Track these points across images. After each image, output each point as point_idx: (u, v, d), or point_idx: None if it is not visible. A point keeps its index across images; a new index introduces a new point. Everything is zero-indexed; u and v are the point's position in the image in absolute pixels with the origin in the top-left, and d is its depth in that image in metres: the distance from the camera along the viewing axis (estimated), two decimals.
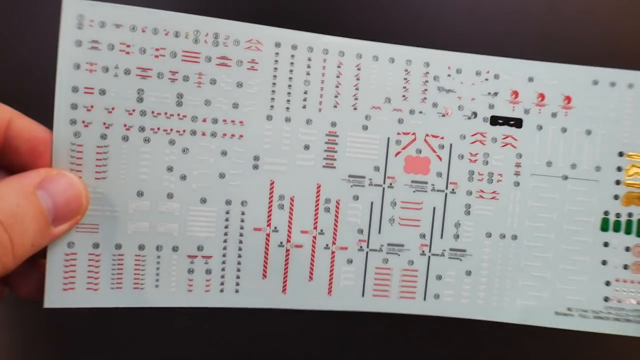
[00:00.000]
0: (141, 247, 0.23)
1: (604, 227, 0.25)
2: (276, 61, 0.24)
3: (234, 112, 0.23)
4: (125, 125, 0.23)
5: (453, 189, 0.25)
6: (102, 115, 0.22)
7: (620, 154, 0.25)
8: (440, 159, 0.25)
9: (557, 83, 0.25)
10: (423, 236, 0.25)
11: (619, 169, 0.25)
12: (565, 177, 0.25)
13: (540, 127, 0.25)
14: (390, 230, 0.25)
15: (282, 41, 0.24)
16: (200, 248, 0.23)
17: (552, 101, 0.25)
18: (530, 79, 0.25)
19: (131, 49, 0.22)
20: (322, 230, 0.24)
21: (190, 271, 0.23)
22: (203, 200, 0.23)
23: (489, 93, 0.25)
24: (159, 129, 0.23)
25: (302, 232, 0.24)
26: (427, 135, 0.25)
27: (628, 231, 0.25)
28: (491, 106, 0.25)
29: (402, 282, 0.25)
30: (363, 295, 0.25)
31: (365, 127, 0.24)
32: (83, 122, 0.22)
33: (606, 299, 0.25)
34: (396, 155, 0.24)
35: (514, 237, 0.25)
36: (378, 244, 0.25)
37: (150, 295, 0.23)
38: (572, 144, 0.25)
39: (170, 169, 0.23)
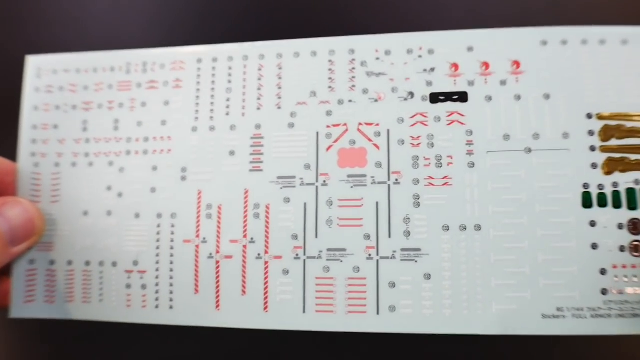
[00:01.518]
0: (87, 263, 0.24)
1: (587, 203, 0.21)
2: (198, 75, 0.24)
3: (162, 128, 0.24)
4: (73, 153, 0.24)
5: (397, 179, 0.22)
6: (56, 146, 0.24)
7: (589, 116, 0.21)
8: (378, 147, 0.22)
9: (500, 49, 0.22)
10: (368, 237, 0.21)
11: (591, 132, 0.21)
12: (529, 150, 0.21)
13: (489, 98, 0.22)
14: (329, 234, 0.22)
15: (203, 57, 0.24)
16: (135, 263, 0.23)
17: (499, 68, 0.22)
18: (470, 49, 0.22)
19: (76, 88, 0.25)
20: (252, 239, 0.22)
21: (128, 286, 0.23)
22: (137, 215, 0.23)
23: (425, 70, 0.22)
24: (100, 153, 0.24)
25: (231, 241, 0.22)
26: (360, 124, 0.22)
27: (617, 204, 0.21)
28: (429, 83, 0.22)
29: (348, 294, 0.21)
30: (304, 311, 0.21)
31: (291, 125, 0.23)
32: (41, 154, 0.24)
33: (604, 292, 0.20)
34: (328, 149, 0.22)
35: (478, 228, 0.21)
36: (316, 250, 0.22)
37: (96, 310, 0.23)
38: (530, 111, 0.22)
39: (109, 188, 0.24)
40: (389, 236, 0.22)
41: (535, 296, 0.21)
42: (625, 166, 0.21)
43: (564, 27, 0.22)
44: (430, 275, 0.21)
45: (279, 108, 0.23)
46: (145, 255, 0.23)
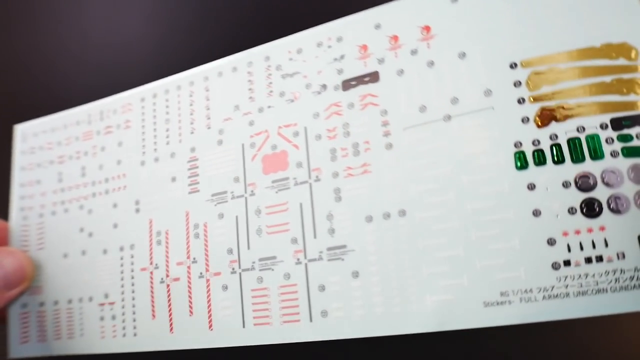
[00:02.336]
0: (69, 301, 0.25)
1: (521, 163, 0.17)
2: (143, 113, 0.26)
3: (118, 167, 0.26)
4: (52, 203, 0.27)
5: (317, 177, 0.21)
6: (39, 199, 0.27)
7: (513, 66, 0.18)
8: (297, 147, 0.21)
9: (408, 17, 0.20)
10: (295, 241, 0.20)
11: (517, 84, 0.18)
12: (448, 117, 0.19)
13: (401, 72, 0.20)
14: (260, 243, 0.21)
15: (144, 95, 0.26)
16: (106, 296, 0.25)
17: (408, 38, 0.20)
18: (377, 26, 0.21)
19: (52, 145, 0.28)
20: (194, 259, 0.22)
21: (102, 318, 0.24)
22: (104, 251, 0.25)
23: (335, 59, 0.22)
24: (72, 199, 0.26)
25: (177, 263, 0.23)
26: (279, 127, 0.22)
27: (558, 159, 0.17)
28: (340, 71, 0.21)
29: (281, 303, 0.20)
30: (244, 326, 0.21)
31: (220, 142, 0.23)
32: (28, 208, 0.27)
33: (556, 266, 0.16)
34: (253, 158, 0.22)
35: (402, 213, 0.19)
36: (250, 262, 0.21)
37: (78, 344, 0.25)
38: (445, 76, 0.19)
39: (81, 229, 0.26)
40: (314, 237, 0.20)
41: (474, 281, 0.17)
42: (564, 113, 0.17)
43: None
44: (357, 272, 0.19)
45: (209, 128, 0.24)
46: (113, 287, 0.24)
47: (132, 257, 0.24)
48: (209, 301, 0.22)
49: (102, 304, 0.24)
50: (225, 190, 0.23)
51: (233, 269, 0.22)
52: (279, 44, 0.23)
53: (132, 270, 0.24)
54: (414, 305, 0.18)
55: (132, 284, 0.24)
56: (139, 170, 0.25)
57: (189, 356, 0.22)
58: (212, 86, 0.24)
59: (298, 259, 0.21)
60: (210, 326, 0.22)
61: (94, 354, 0.24)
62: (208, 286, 0.22)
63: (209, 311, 0.22)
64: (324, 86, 0.22)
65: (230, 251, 0.22)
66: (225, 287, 0.22)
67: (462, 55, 0.19)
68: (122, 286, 0.24)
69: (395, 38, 0.21)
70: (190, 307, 0.22)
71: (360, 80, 0.21)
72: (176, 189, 0.24)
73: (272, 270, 0.21)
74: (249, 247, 0.21)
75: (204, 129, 0.24)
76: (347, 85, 0.21)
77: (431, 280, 0.18)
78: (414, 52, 0.20)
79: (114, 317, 0.24)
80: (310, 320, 0.20)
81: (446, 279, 0.18)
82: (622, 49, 0.17)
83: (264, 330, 0.20)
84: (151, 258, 0.24)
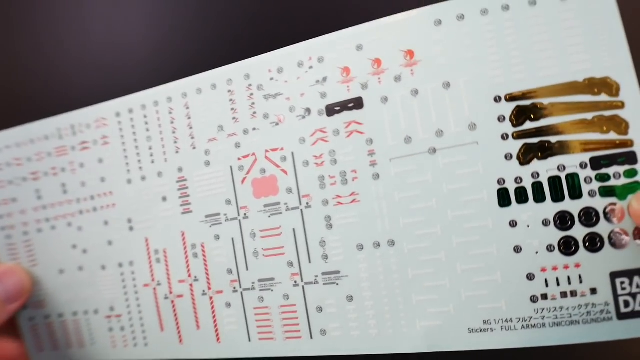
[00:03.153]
0: (74, 314, 0.27)
1: (504, 200, 0.18)
2: (120, 129, 0.25)
3: (103, 185, 0.26)
4: (36, 221, 0.27)
5: (308, 203, 0.21)
6: (19, 217, 0.27)
7: (497, 99, 0.18)
8: (286, 172, 0.21)
9: (390, 40, 0.20)
10: (291, 264, 0.22)
11: (501, 118, 0.18)
12: (433, 150, 0.19)
13: (385, 99, 0.20)
14: (257, 265, 0.22)
15: (119, 110, 0.25)
16: (112, 309, 0.26)
17: (391, 63, 0.20)
18: (359, 47, 0.20)
19: (21, 161, 0.27)
20: (196, 277, 0.23)
21: (110, 329, 0.26)
22: (103, 267, 0.26)
23: (317, 81, 0.21)
24: (58, 216, 0.27)
25: (179, 281, 0.24)
26: (266, 151, 0.22)
27: (539, 198, 0.18)
28: (323, 95, 0.21)
29: (283, 321, 0.22)
30: (249, 340, 0.23)
31: (207, 163, 0.23)
32: (10, 226, 0.27)
33: (534, 299, 0.18)
34: (243, 182, 0.22)
35: (391, 243, 0.20)
36: (250, 282, 0.22)
37: (91, 352, 0.26)
38: (429, 106, 0.19)
39: (74, 246, 0.26)
40: (309, 261, 0.21)
41: (459, 310, 0.19)
42: (545, 152, 0.18)
43: (458, 0, 0.19)
44: (352, 296, 0.21)
45: (194, 148, 0.23)
46: (117, 301, 0.25)
47: (133, 273, 0.25)
48: (214, 316, 0.23)
49: (108, 317, 0.26)
50: (218, 212, 0.23)
51: (234, 288, 0.23)
52: (258, 61, 0.22)
53: (135, 286, 0.25)
54: (405, 329, 0.20)
55: (137, 299, 0.25)
56: (126, 189, 0.25)
57: None
58: (192, 104, 0.23)
59: (295, 282, 0.22)
60: (218, 339, 0.23)
61: None
62: (212, 303, 0.23)
63: (215, 326, 0.23)
64: (308, 110, 0.21)
65: (230, 271, 0.23)
66: (228, 305, 0.23)
67: (447, 85, 0.19)
68: (127, 300, 0.25)
69: (378, 62, 0.20)
70: (197, 321, 0.24)
71: (344, 105, 0.21)
72: (168, 208, 0.24)
73: (272, 291, 0.22)
74: (247, 268, 0.23)
75: (189, 148, 0.24)
76: (331, 110, 0.21)
77: (420, 307, 0.20)
78: (397, 78, 0.20)
79: (122, 329, 0.25)
80: (311, 337, 0.22)
81: (434, 307, 0.19)
82: (604, 84, 0.17)
83: (269, 344, 0.22)
84: (152, 275, 0.25)
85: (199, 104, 0.23)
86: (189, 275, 0.24)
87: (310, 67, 0.21)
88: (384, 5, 0.21)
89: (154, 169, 0.24)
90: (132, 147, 0.25)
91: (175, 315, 0.24)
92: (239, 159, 0.23)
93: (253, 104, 0.22)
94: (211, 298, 0.23)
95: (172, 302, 0.24)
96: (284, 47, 0.22)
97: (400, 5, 0.19)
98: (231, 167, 0.23)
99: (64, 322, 0.27)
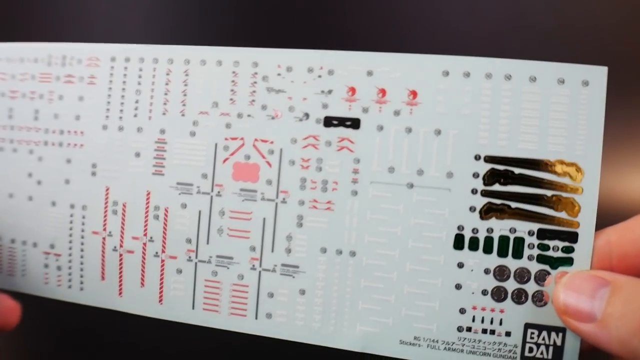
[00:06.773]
0: (12, 241, 0.26)
1: (458, 244, 0.21)
2: (111, 74, 0.25)
3: (76, 123, 0.25)
4: (1, 139, 0.26)
5: (284, 199, 0.22)
6: None
7: (477, 158, 0.21)
8: (270, 165, 0.22)
9: (400, 76, 0.21)
10: (253, 249, 0.23)
11: (476, 175, 0.21)
12: (411, 185, 0.21)
13: (380, 128, 0.21)
14: (219, 241, 0.23)
15: (116, 56, 0.25)
16: (52, 246, 0.25)
17: (395, 97, 0.21)
18: (370, 73, 0.22)
19: (5, 76, 0.26)
20: (151, 238, 0.24)
21: (46, 266, 0.26)
22: (53, 203, 0.25)
23: (323, 91, 0.22)
24: (22, 140, 0.26)
25: (133, 238, 0.24)
26: (255, 139, 0.23)
27: (487, 250, 0.21)
28: (325, 106, 0.22)
29: (232, 298, 0.23)
30: (193, 307, 0.24)
31: (192, 133, 0.23)
32: None
33: (460, 329, 0.21)
34: (224, 161, 0.23)
35: (352, 254, 0.22)
36: (207, 255, 0.23)
37: (19, 282, 0.26)
38: (418, 146, 0.21)
39: (30, 175, 0.25)
40: (272, 250, 0.23)
41: (396, 323, 0.22)
42: (503, 214, 0.21)
43: (469, 58, 0.21)
44: (304, 291, 0.23)
45: (183, 115, 0.23)
46: (60, 240, 0.25)
47: (83, 217, 0.25)
48: (161, 279, 0.24)
49: (47, 253, 0.25)
50: (191, 182, 0.23)
51: (190, 257, 0.24)
52: (270, 53, 0.23)
53: (83, 231, 0.25)
54: (346, 329, 0.22)
55: (82, 244, 0.25)
56: (100, 134, 0.24)
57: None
58: (193, 72, 0.23)
59: (253, 265, 0.23)
60: (161, 301, 0.24)
61: (37, 296, 0.26)
62: (163, 266, 0.24)
63: (161, 288, 0.24)
64: (307, 115, 0.22)
65: (189, 241, 0.24)
66: (179, 271, 0.24)
67: (438, 132, 0.21)
68: (71, 242, 0.25)
69: (384, 92, 0.22)
70: (142, 279, 0.24)
71: (342, 122, 0.22)
72: (140, 165, 0.24)
73: (228, 268, 0.23)
74: (208, 242, 0.23)
75: (178, 114, 0.23)
76: (328, 122, 0.22)
77: (364, 314, 0.22)
78: (396, 112, 0.21)
79: (59, 268, 0.25)
80: (256, 318, 0.23)
81: (376, 316, 0.22)
82: (571, 169, 0.20)
83: (212, 316, 0.24)
84: (105, 224, 0.24)
85: (200, 75, 0.23)
86: (145, 235, 0.24)
87: (319, 76, 0.22)
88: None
89: (134, 123, 0.24)
90: (118, 96, 0.24)
91: (121, 268, 0.24)
92: (226, 139, 0.23)
93: (254, 92, 0.23)
94: (163, 261, 0.24)
95: (121, 255, 0.24)
96: (300, 48, 0.22)
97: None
98: (216, 144, 0.23)
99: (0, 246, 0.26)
